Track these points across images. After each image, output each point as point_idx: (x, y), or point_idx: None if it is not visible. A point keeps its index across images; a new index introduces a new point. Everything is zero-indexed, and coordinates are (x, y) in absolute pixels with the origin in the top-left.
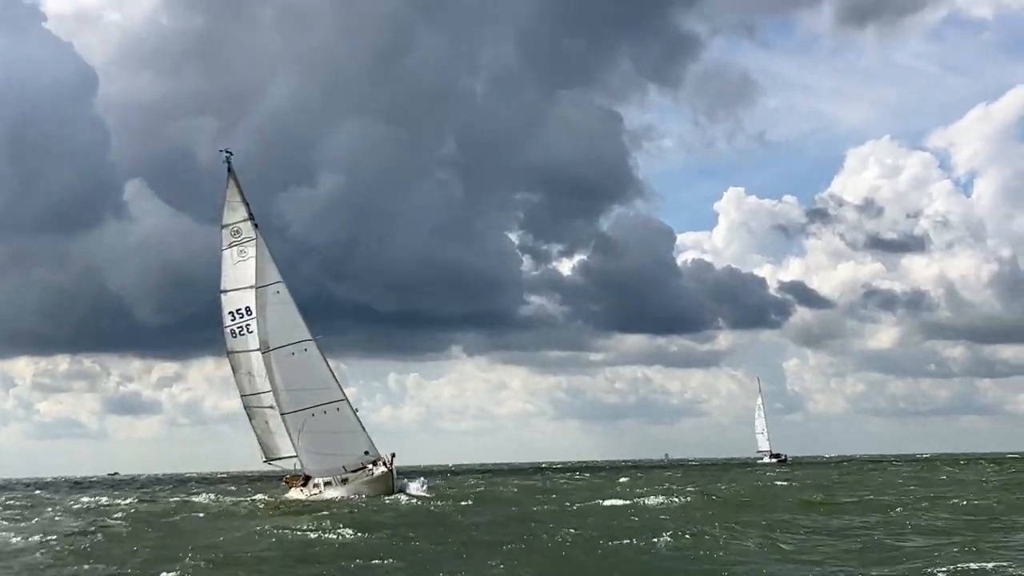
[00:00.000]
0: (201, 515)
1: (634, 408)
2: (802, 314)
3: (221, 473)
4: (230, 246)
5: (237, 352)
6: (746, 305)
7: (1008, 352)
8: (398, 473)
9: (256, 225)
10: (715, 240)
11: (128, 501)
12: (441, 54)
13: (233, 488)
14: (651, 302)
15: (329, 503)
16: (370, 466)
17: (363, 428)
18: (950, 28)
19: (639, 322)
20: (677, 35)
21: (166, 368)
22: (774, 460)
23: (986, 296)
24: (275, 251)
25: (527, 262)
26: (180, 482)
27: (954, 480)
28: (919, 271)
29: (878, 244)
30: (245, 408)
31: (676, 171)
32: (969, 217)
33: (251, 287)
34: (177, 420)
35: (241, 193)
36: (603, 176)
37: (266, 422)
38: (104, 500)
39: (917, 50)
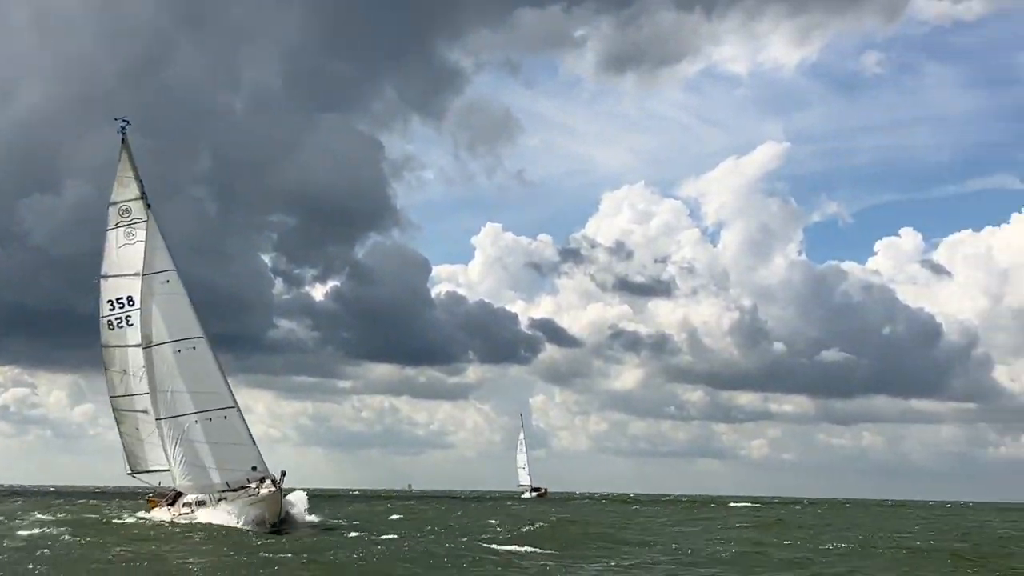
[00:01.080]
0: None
1: (380, 437)
2: (551, 351)
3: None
4: (116, 226)
5: (112, 346)
6: (497, 340)
7: (743, 399)
8: None
9: (149, 206)
10: (471, 274)
11: None
12: (201, 69)
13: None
14: (403, 332)
15: (204, 528)
16: (254, 484)
17: (253, 440)
18: (706, 81)
19: (390, 351)
20: (442, 67)
21: None
22: (534, 494)
23: (726, 343)
24: (167, 236)
25: (279, 285)
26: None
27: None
28: (664, 315)
29: (626, 287)
30: (114, 411)
31: (436, 203)
32: (714, 266)
33: (136, 274)
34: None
35: (134, 168)
36: (361, 203)
37: (136, 428)
38: None
39: (675, 100)
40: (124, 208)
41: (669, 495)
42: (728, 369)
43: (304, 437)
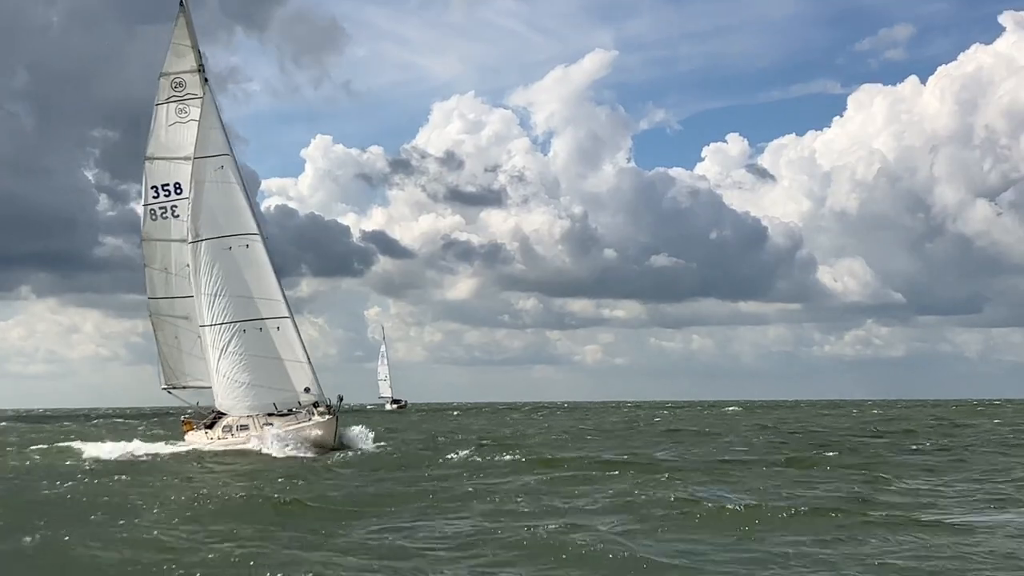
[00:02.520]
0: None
1: None
2: (384, 263)
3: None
4: (167, 101)
5: (154, 239)
6: (329, 253)
7: (576, 306)
8: None
9: (207, 80)
10: (301, 187)
11: None
12: None
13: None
14: None
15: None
16: (307, 410)
17: (308, 358)
18: None
19: None
20: None
21: None
22: (395, 406)
23: (557, 251)
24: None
25: (103, 201)
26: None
27: None
28: (496, 224)
29: (458, 197)
30: (151, 316)
31: (263, 116)
32: (545, 174)
33: (187, 158)
34: None
35: (192, 36)
36: None
37: (176, 336)
38: None
39: (504, 8)
40: (177, 81)
41: (505, 402)
42: (560, 276)
43: (135, 355)
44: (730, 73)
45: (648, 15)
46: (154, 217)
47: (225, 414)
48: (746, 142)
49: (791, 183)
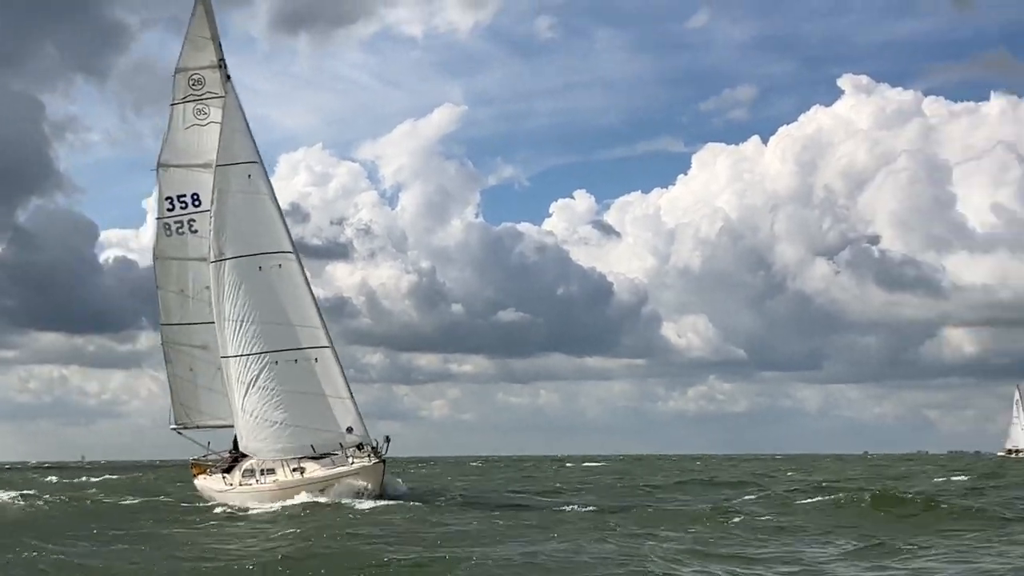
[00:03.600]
0: None
1: (49, 408)
2: None
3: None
4: (184, 100)
5: (169, 258)
6: None
7: (423, 360)
8: None
9: (228, 77)
10: (142, 238)
11: None
12: None
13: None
14: (70, 299)
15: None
16: (349, 452)
17: (351, 393)
18: (383, 43)
19: (57, 320)
20: (106, 24)
21: None
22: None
23: (404, 306)
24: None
25: None
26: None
27: None
28: (343, 278)
29: (304, 250)
30: (163, 344)
31: (104, 165)
32: (392, 228)
33: (206, 165)
34: None
35: (213, 27)
36: (21, 166)
37: (191, 369)
38: None
39: (353, 61)
40: (196, 78)
41: None
42: (407, 331)
43: None
44: (578, 130)
45: (498, 70)
46: (168, 232)
47: (244, 456)
48: (593, 199)
49: (636, 240)
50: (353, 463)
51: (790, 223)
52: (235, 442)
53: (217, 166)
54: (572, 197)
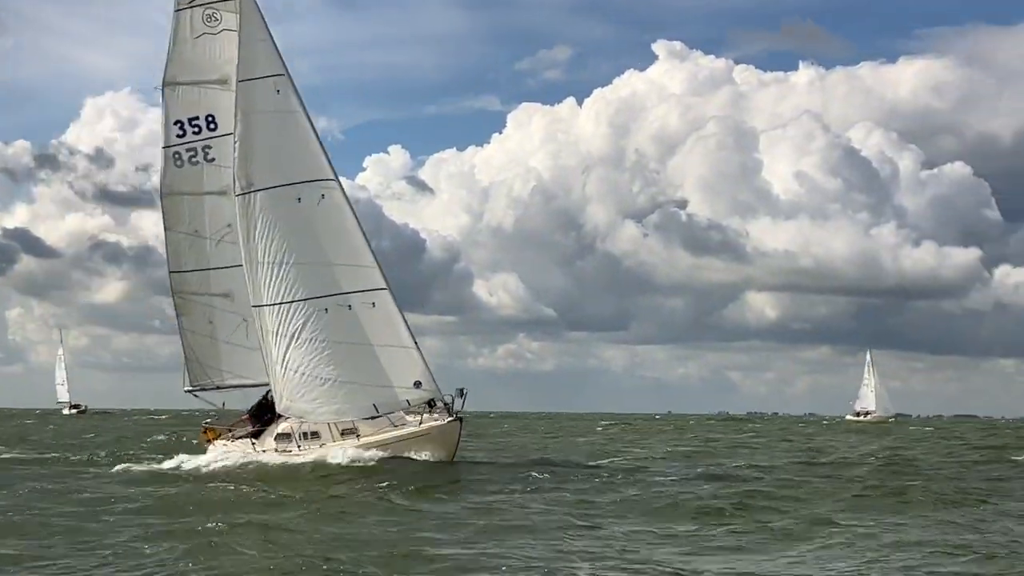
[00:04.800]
0: None
1: None
2: (27, 263)
3: None
4: (192, 5)
5: (180, 193)
6: None
7: None
8: None
9: None
10: None
11: None
12: None
13: None
14: None
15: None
16: (417, 411)
17: (415, 342)
18: None
19: None
20: None
21: None
22: (74, 411)
23: None
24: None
25: None
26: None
27: None
28: (147, 227)
29: (108, 196)
30: (174, 295)
31: None
32: None
33: (221, 81)
34: None
35: None
36: None
37: (210, 321)
38: None
39: (164, 4)
40: None
41: (162, 409)
42: None
43: None
44: (394, 85)
45: (312, 21)
46: (179, 162)
47: (277, 417)
48: (408, 154)
49: (450, 197)
50: (420, 423)
51: (601, 185)
52: (261, 404)
53: (239, 82)
54: (387, 152)
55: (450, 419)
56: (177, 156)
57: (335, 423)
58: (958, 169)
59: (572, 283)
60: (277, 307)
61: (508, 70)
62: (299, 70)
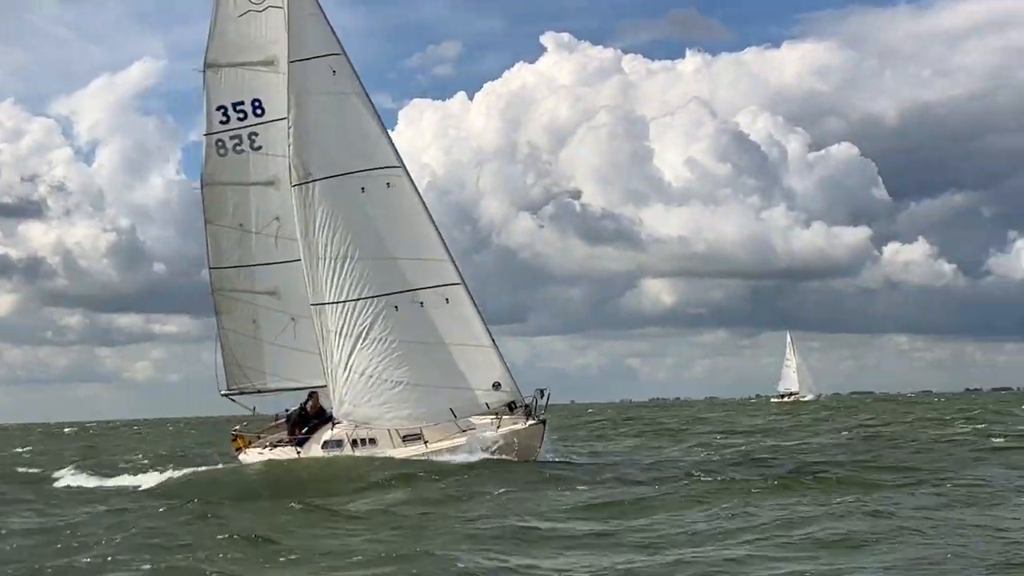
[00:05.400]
0: None
1: None
2: None
3: None
4: None
5: (224, 183)
6: None
7: (124, 321)
8: None
9: None
10: None
11: None
12: None
13: None
14: None
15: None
16: (496, 414)
17: (493, 340)
18: None
19: None
20: None
21: None
22: None
23: (103, 265)
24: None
25: None
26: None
27: None
28: (37, 237)
29: None
30: (215, 292)
31: None
32: (89, 186)
33: (268, 62)
34: None
35: None
36: None
37: (254, 321)
38: None
39: (51, 15)
40: None
41: (62, 423)
42: (107, 291)
43: None
44: None
45: (200, 24)
46: (223, 151)
47: (323, 423)
48: None
49: None
50: (498, 427)
51: (495, 178)
52: (303, 414)
53: (291, 63)
54: None
55: (532, 422)
56: (220, 144)
57: (393, 430)
58: (845, 150)
59: (469, 278)
60: (341, 305)
61: (398, 67)
62: (186, 72)
